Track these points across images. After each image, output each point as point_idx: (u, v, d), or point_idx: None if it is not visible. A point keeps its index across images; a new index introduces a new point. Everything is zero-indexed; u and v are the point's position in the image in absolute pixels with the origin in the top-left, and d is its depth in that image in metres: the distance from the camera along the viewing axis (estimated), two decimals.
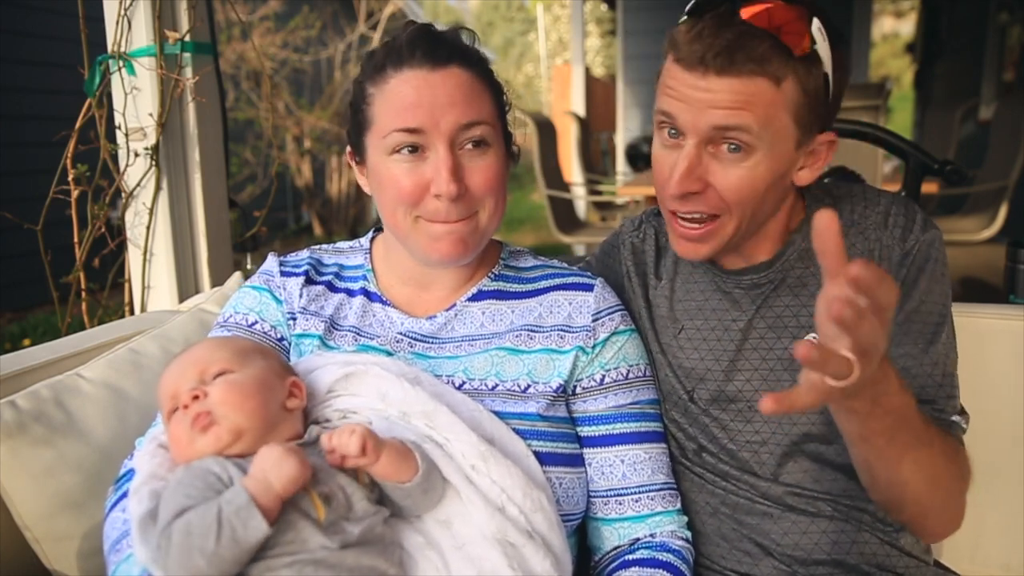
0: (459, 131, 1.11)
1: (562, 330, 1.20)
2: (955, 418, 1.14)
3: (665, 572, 1.11)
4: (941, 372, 1.14)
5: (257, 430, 0.97)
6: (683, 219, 1.14)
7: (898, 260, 1.15)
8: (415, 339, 1.20)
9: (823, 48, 1.04)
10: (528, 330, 1.20)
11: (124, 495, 1.06)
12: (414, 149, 1.11)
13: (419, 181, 1.11)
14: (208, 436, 0.95)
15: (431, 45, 1.12)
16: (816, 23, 1.03)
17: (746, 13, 1.02)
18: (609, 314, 1.22)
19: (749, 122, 1.03)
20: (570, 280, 1.25)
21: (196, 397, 0.97)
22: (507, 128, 1.22)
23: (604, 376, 1.19)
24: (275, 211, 9.09)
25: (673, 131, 1.10)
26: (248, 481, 0.88)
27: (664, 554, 1.14)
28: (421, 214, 1.13)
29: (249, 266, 2.10)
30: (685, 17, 1.08)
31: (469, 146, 1.12)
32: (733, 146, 1.06)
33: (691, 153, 1.07)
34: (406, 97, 1.10)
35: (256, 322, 1.23)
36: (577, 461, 1.17)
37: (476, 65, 1.15)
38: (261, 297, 1.25)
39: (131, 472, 1.06)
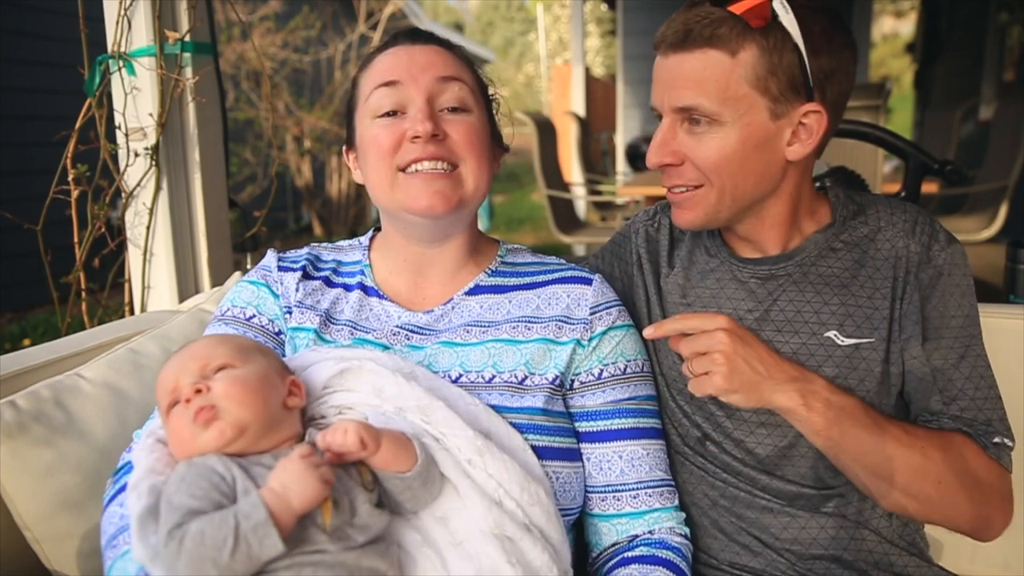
0: (436, 83, 1.16)
1: (561, 321, 1.20)
2: (997, 439, 1.15)
3: (665, 569, 1.11)
4: (974, 386, 1.16)
5: (259, 427, 0.96)
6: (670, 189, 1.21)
7: (924, 266, 1.17)
8: (412, 331, 1.20)
9: (787, 20, 1.08)
10: (526, 321, 1.20)
11: (122, 489, 1.06)
12: (395, 113, 1.16)
13: (397, 131, 1.15)
14: (211, 431, 0.94)
15: (414, 31, 1.23)
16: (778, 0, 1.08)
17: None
18: (607, 308, 1.23)
19: (701, 102, 1.10)
20: (568, 274, 1.26)
21: (199, 391, 0.96)
22: (492, 120, 1.26)
23: (602, 371, 1.20)
24: (275, 211, 9.09)
25: (657, 115, 1.19)
26: (268, 495, 0.86)
27: (664, 551, 1.14)
28: (400, 163, 1.15)
29: (249, 266, 2.10)
30: None
31: (448, 109, 1.17)
32: (697, 119, 1.12)
33: (664, 128, 1.16)
34: (386, 63, 1.19)
35: (254, 316, 1.24)
36: (575, 455, 1.17)
37: (458, 52, 1.23)
38: (258, 291, 1.26)
39: (129, 465, 1.06)
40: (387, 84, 1.16)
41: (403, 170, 1.15)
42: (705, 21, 1.08)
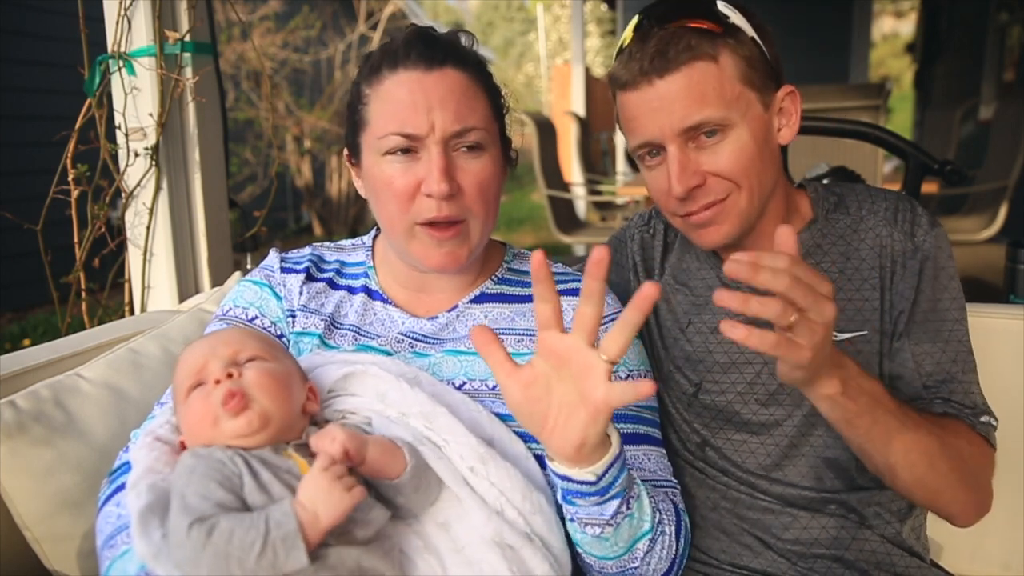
0: (453, 123, 1.11)
1: None
2: (983, 418, 1.15)
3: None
4: (961, 369, 1.15)
5: (281, 424, 0.95)
6: (692, 212, 1.16)
7: (910, 254, 1.17)
8: (416, 339, 1.20)
9: (737, 18, 1.12)
10: (531, 335, 1.19)
11: (118, 489, 1.05)
12: (407, 151, 1.12)
13: (412, 180, 1.12)
14: (240, 419, 0.92)
15: (426, 46, 1.13)
16: (719, 3, 1.12)
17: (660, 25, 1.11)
18: (612, 319, 1.21)
19: (708, 113, 1.09)
20: (574, 286, 1.25)
21: (230, 375, 0.95)
22: (504, 132, 1.21)
23: None
24: (275, 211, 9.09)
25: (653, 151, 1.15)
26: (299, 508, 0.85)
27: None
28: (416, 219, 1.13)
29: (249, 266, 2.10)
30: (613, 62, 1.17)
31: (463, 149, 1.13)
32: (709, 132, 1.11)
33: (677, 155, 1.12)
34: (401, 98, 1.11)
35: (256, 317, 1.23)
36: None
37: (472, 67, 1.16)
38: (261, 292, 1.25)
39: (126, 465, 1.06)
40: (403, 136, 1.10)
41: (417, 223, 1.14)
42: (675, 39, 1.09)
